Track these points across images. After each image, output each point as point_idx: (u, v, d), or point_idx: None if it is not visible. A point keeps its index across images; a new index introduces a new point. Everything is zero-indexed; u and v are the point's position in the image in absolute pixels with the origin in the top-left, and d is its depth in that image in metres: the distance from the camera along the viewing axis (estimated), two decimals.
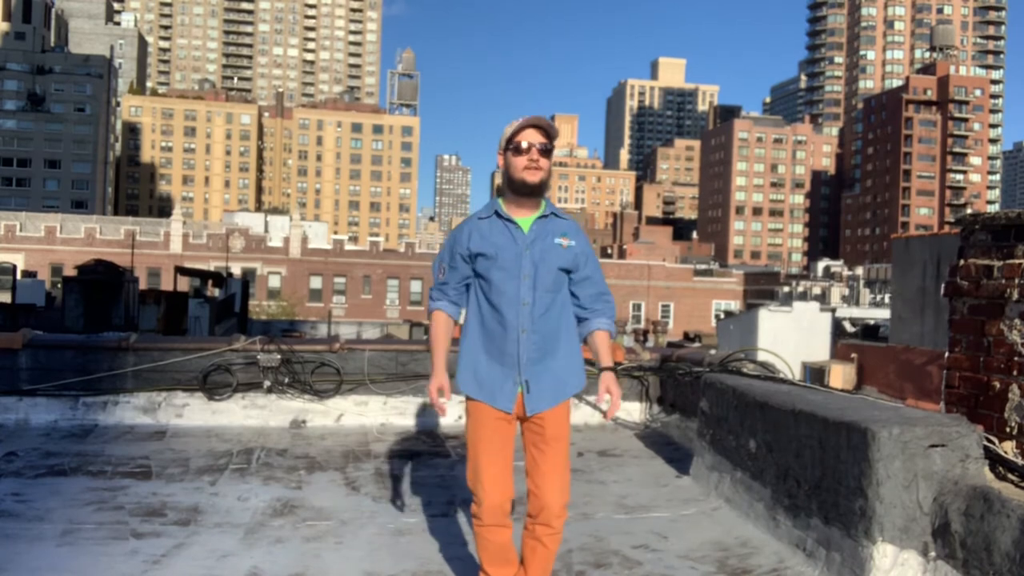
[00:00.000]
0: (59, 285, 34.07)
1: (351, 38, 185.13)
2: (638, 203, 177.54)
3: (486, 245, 2.94)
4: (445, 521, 4.17)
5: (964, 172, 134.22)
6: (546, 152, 2.92)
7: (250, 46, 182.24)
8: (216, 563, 3.54)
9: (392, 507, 4.41)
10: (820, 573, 3.46)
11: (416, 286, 70.39)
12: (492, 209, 3.00)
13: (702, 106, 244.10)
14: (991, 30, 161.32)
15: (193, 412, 6.22)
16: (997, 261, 3.50)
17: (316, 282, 68.46)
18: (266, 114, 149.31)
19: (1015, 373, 3.37)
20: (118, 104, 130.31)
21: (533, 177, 2.91)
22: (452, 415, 6.51)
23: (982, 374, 3.54)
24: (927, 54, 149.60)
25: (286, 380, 6.35)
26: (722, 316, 50.67)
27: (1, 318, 24.90)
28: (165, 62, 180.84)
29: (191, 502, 4.33)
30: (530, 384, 2.92)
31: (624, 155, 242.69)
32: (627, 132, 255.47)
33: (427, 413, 6.52)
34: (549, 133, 2.93)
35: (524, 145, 2.90)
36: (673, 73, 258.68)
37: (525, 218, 2.95)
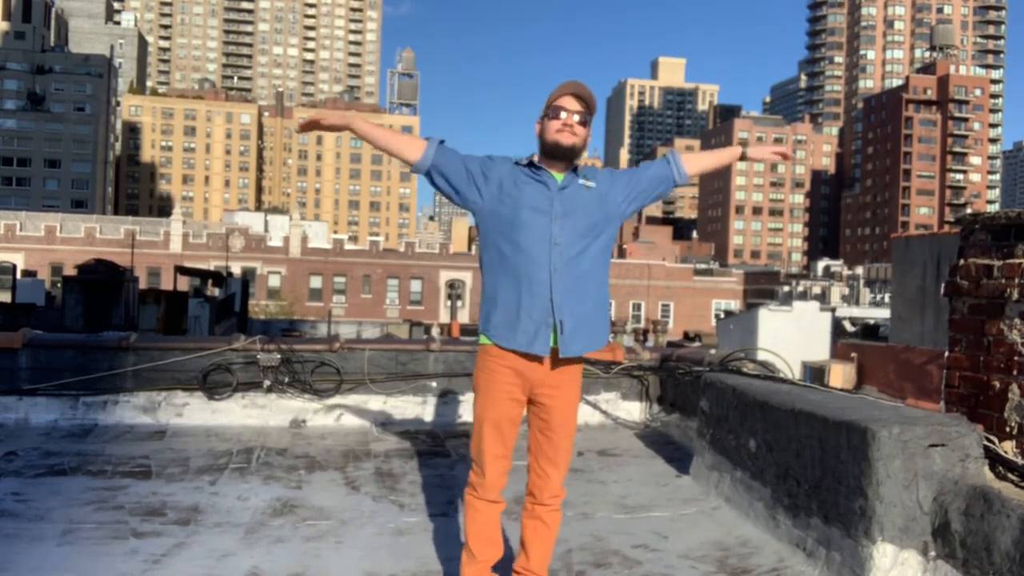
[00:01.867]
0: (59, 285, 34.09)
1: (351, 37, 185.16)
2: None
3: (518, 184, 2.91)
4: (445, 521, 4.17)
5: (964, 172, 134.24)
6: (583, 122, 2.90)
7: (250, 45, 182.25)
8: (216, 563, 3.54)
9: (392, 506, 4.41)
10: (820, 573, 3.46)
11: (416, 286, 70.41)
12: (527, 159, 2.98)
13: (702, 106, 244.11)
14: (991, 30, 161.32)
15: (193, 412, 6.22)
16: (997, 261, 3.50)
17: (316, 282, 68.48)
18: (266, 113, 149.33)
19: (1015, 372, 3.37)
20: (118, 104, 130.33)
21: (566, 140, 2.88)
22: (453, 414, 6.52)
23: (982, 374, 3.54)
24: (927, 54, 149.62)
25: (286, 380, 6.35)
26: (722, 316, 50.69)
27: (1, 318, 24.90)
28: (165, 62, 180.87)
29: (191, 502, 4.34)
30: (564, 324, 2.86)
31: (624, 154, 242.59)
32: (627, 131, 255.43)
33: (427, 413, 6.53)
34: (588, 104, 2.91)
35: (562, 114, 2.88)
36: (673, 73, 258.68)
37: (558, 171, 2.94)
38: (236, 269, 58.68)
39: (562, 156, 2.90)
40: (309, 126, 3.00)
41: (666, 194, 3.23)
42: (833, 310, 32.39)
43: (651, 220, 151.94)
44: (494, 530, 3.02)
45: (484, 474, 2.94)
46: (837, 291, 61.37)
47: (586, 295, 2.92)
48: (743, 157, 3.19)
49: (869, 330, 28.99)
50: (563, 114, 2.88)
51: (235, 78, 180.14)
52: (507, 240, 2.89)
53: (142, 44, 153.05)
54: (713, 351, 6.85)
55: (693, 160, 3.20)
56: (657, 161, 3.18)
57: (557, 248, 2.86)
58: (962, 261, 3.70)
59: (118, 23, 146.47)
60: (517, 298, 2.87)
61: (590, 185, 2.96)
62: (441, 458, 5.48)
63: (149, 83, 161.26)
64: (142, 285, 34.79)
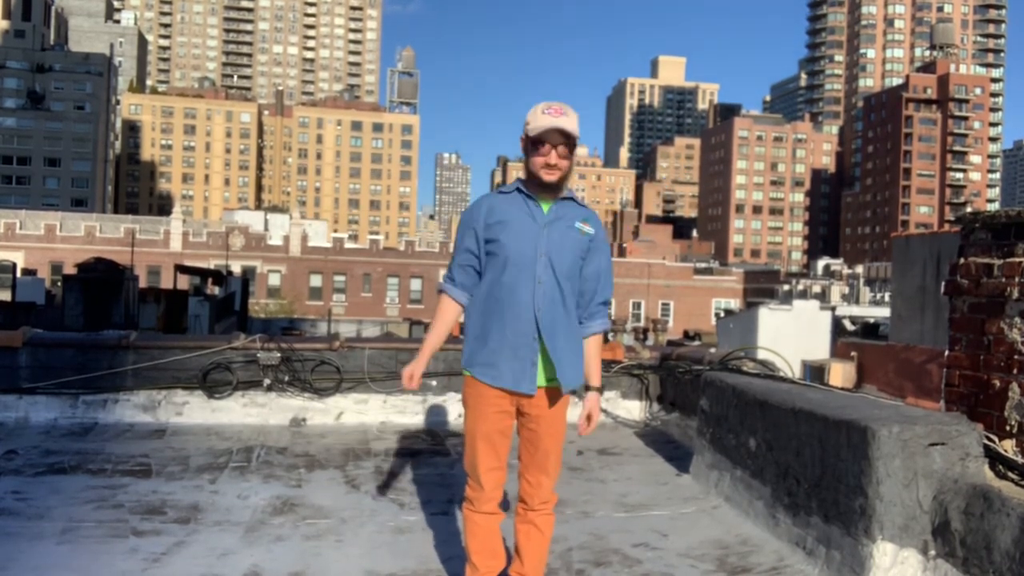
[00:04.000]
0: (59, 283, 34.09)
1: (351, 36, 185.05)
2: (638, 201, 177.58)
3: (504, 219, 2.91)
4: (445, 519, 4.17)
5: (964, 171, 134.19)
6: (565, 154, 2.88)
7: (250, 44, 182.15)
8: (216, 561, 3.54)
9: (392, 505, 4.41)
10: (820, 571, 3.46)
11: (416, 284, 70.40)
12: (514, 187, 2.97)
13: (702, 104, 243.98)
14: (991, 28, 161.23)
15: (193, 410, 6.22)
16: (997, 260, 3.49)
17: (316, 280, 68.46)
18: (266, 112, 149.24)
19: (1015, 371, 3.37)
20: (118, 102, 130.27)
21: (550, 176, 2.88)
22: (452, 412, 6.52)
23: (982, 372, 3.54)
24: (927, 52, 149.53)
25: (286, 378, 6.35)
26: (722, 314, 50.69)
27: (1, 316, 24.89)
28: (165, 60, 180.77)
29: (191, 500, 4.33)
30: (534, 364, 2.91)
31: (624, 153, 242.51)
32: (627, 130, 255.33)
33: (427, 411, 6.53)
34: (570, 136, 2.86)
35: (543, 147, 2.85)
36: (673, 71, 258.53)
37: (545, 200, 2.93)
38: (236, 268, 58.68)
39: (546, 189, 2.92)
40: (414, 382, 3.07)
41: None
42: (833, 309, 32.39)
43: (651, 219, 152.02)
44: (495, 541, 3.03)
45: (480, 487, 2.96)
46: (837, 290, 61.35)
47: (568, 333, 2.95)
48: (587, 387, 3.06)
49: (869, 329, 28.99)
50: (545, 147, 2.85)
51: (235, 77, 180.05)
52: (493, 278, 2.93)
53: (142, 43, 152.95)
54: (713, 350, 6.85)
55: (590, 345, 3.05)
56: (600, 306, 3.07)
57: (540, 287, 2.89)
58: (962, 260, 3.69)
59: (118, 22, 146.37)
60: (501, 337, 2.91)
61: (587, 231, 2.97)
62: (441, 457, 5.48)
63: (149, 82, 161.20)
64: (142, 284, 34.78)
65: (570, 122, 2.86)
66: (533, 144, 2.86)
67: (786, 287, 67.02)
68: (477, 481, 2.97)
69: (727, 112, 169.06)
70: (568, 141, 2.86)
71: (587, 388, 3.03)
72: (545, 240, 2.89)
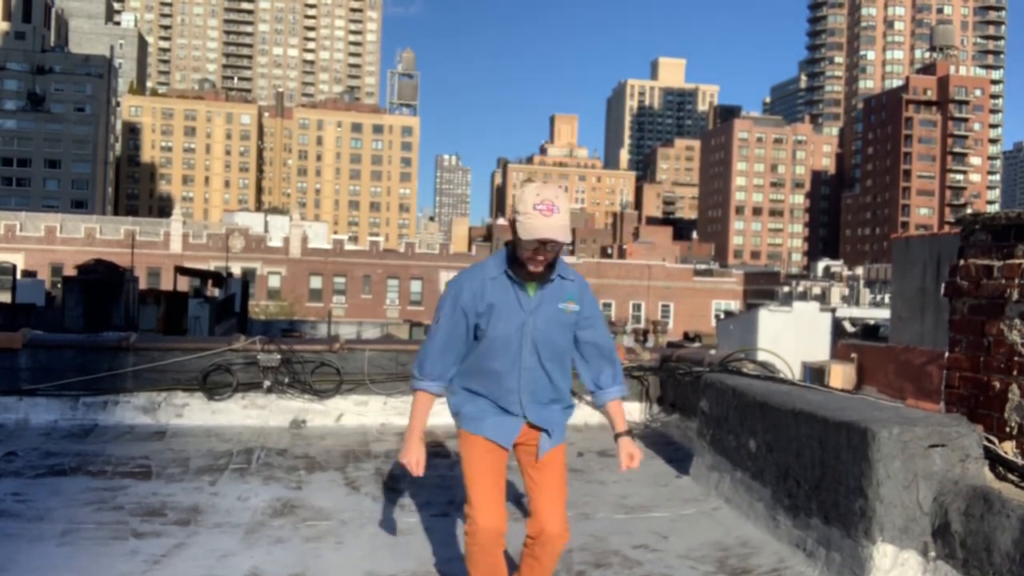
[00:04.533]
0: (59, 285, 34.06)
1: (351, 38, 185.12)
2: (638, 203, 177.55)
3: (491, 303, 2.91)
4: (445, 521, 4.17)
5: (964, 172, 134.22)
6: (555, 248, 2.84)
7: (250, 46, 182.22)
8: (216, 563, 3.54)
9: (392, 507, 4.41)
10: (820, 573, 3.46)
11: (416, 286, 70.40)
12: (502, 267, 2.94)
13: (702, 106, 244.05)
14: (991, 30, 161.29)
15: (193, 412, 6.22)
16: (997, 261, 3.50)
17: (316, 282, 68.45)
18: (266, 114, 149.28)
19: (1015, 373, 3.37)
20: (118, 104, 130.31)
21: (536, 269, 2.87)
22: (449, 417, 6.51)
23: (982, 374, 3.54)
24: (927, 54, 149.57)
25: (286, 380, 6.35)
26: (722, 316, 50.69)
27: (1, 318, 24.89)
28: (165, 62, 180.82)
29: (191, 502, 4.33)
30: (534, 424, 2.99)
31: (624, 155, 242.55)
32: (627, 132, 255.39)
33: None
34: (559, 242, 2.83)
35: (532, 245, 2.81)
36: (673, 73, 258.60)
37: (532, 282, 2.91)
38: (236, 269, 58.67)
39: (531, 278, 2.90)
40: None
41: (578, 373, 3.16)
42: (833, 310, 32.38)
43: (651, 220, 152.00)
44: (499, 571, 3.02)
45: (478, 519, 2.93)
46: (837, 291, 61.35)
47: (553, 407, 3.03)
48: (616, 436, 3.09)
49: (869, 330, 28.96)
50: (533, 247, 2.81)
51: (235, 78, 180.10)
52: (481, 357, 2.96)
53: (142, 44, 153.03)
54: (713, 351, 6.85)
55: (614, 407, 3.10)
56: (612, 370, 3.09)
57: (527, 373, 2.93)
58: (962, 261, 3.69)
59: (118, 23, 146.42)
60: (488, 406, 2.98)
61: (572, 309, 2.96)
62: (441, 458, 5.48)
63: (149, 83, 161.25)
64: (142, 285, 34.76)
65: (562, 223, 2.80)
66: (523, 241, 2.83)
67: (786, 289, 67.03)
68: (476, 519, 2.94)
69: (727, 114, 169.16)
70: (555, 243, 2.83)
71: (616, 436, 3.06)
72: (531, 327, 2.91)
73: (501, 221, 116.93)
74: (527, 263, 2.85)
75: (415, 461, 2.96)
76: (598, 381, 3.07)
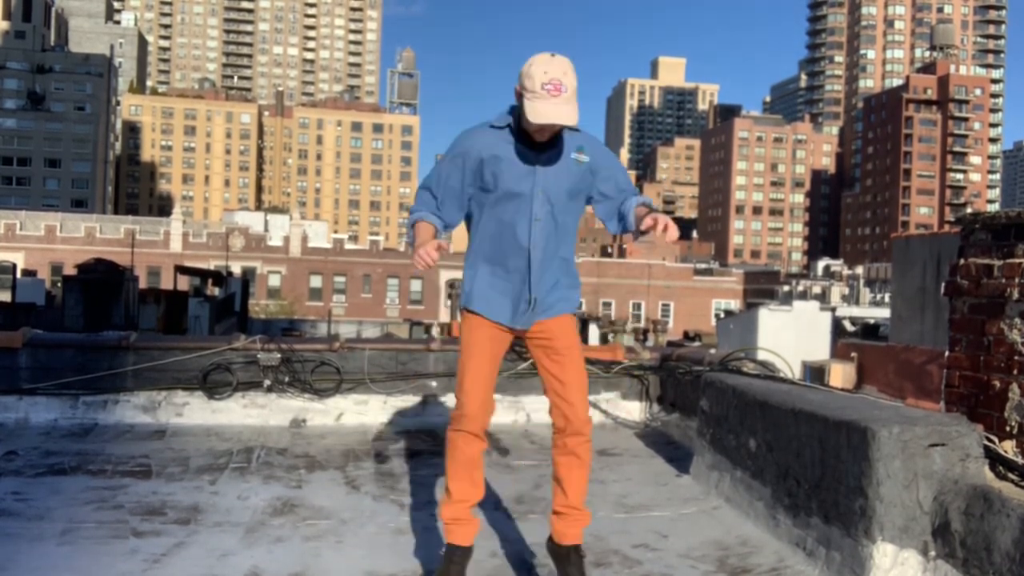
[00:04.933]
0: (59, 284, 34.09)
1: (351, 37, 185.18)
2: None
3: (497, 155, 2.86)
4: None
5: (964, 171, 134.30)
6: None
7: (250, 45, 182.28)
8: (216, 562, 3.54)
9: (392, 506, 4.41)
10: (820, 572, 3.46)
11: (416, 285, 70.43)
12: (506, 121, 2.90)
13: (702, 105, 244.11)
14: (991, 29, 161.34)
15: (193, 411, 6.22)
16: (997, 260, 3.50)
17: (316, 281, 68.48)
18: (266, 113, 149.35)
19: (1015, 372, 3.37)
20: (118, 103, 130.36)
21: (541, 137, 2.84)
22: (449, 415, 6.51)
23: (982, 373, 3.54)
24: (927, 53, 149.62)
25: (286, 379, 6.35)
26: (722, 315, 50.70)
27: (1, 317, 24.90)
28: (165, 61, 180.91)
29: (191, 501, 4.33)
30: (538, 301, 2.91)
31: (624, 154, 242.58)
32: (627, 131, 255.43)
33: (427, 412, 6.52)
34: (567, 127, 2.82)
35: (536, 126, 2.77)
36: (673, 72, 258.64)
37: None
38: (236, 269, 58.70)
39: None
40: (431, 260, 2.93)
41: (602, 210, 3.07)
42: (833, 310, 32.41)
43: None
44: (475, 470, 3.00)
45: (467, 404, 2.91)
46: (837, 291, 61.37)
47: (562, 268, 2.97)
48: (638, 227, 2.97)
49: (869, 330, 28.97)
50: (537, 127, 2.78)
51: (235, 78, 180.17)
52: (490, 215, 2.91)
53: (142, 44, 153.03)
54: (713, 351, 6.85)
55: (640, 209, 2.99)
56: (619, 187, 3.03)
57: (538, 224, 2.87)
58: (962, 261, 3.70)
59: (118, 23, 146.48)
60: (498, 275, 2.92)
61: (583, 160, 2.92)
62: (441, 458, 5.47)
63: (149, 83, 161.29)
64: (142, 285, 34.78)
65: (568, 108, 2.74)
66: (528, 119, 2.78)
67: (786, 288, 67.06)
68: (466, 397, 2.93)
69: (727, 113, 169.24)
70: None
71: (640, 216, 2.90)
72: (542, 175, 2.86)
73: None
74: (534, 134, 2.82)
75: (424, 249, 2.80)
76: (623, 207, 2.98)
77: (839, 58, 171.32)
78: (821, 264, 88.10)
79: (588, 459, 3.03)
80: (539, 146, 2.86)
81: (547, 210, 2.86)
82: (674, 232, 2.79)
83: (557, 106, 2.71)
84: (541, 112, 2.71)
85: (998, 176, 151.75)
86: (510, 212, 2.87)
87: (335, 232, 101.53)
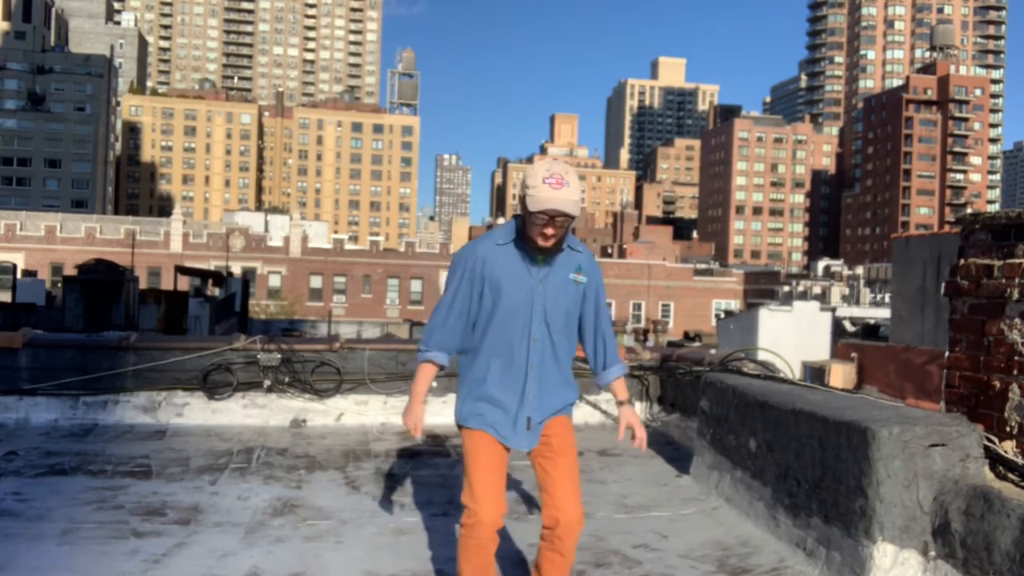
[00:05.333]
0: (59, 284, 34.08)
1: (351, 37, 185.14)
2: (638, 203, 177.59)
3: (500, 272, 2.88)
4: (445, 520, 4.17)
5: (964, 172, 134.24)
6: (563, 223, 2.81)
7: (250, 45, 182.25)
8: (216, 562, 3.54)
9: (392, 506, 4.41)
10: (820, 572, 3.46)
11: (416, 285, 70.40)
12: (510, 236, 2.92)
13: (702, 106, 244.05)
14: (991, 30, 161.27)
15: (193, 411, 6.22)
16: (997, 260, 3.49)
17: (316, 281, 68.45)
18: (266, 113, 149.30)
19: (1015, 372, 3.37)
20: (118, 104, 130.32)
21: (545, 244, 2.84)
22: (451, 415, 6.51)
23: (982, 373, 3.54)
24: (927, 54, 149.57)
25: (286, 379, 6.35)
26: (722, 315, 50.66)
27: (1, 317, 24.89)
28: (165, 62, 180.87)
29: (191, 501, 4.33)
30: (532, 419, 2.94)
31: (624, 155, 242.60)
32: (627, 132, 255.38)
33: (428, 413, 6.52)
34: (569, 214, 2.81)
35: (542, 218, 2.78)
36: (673, 73, 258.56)
37: (541, 255, 2.89)
38: (236, 269, 58.68)
39: (540, 251, 2.88)
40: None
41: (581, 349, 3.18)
42: (833, 310, 32.40)
43: (651, 220, 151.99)
44: (490, 571, 3.01)
45: (478, 512, 2.90)
46: (837, 291, 61.33)
47: (558, 380, 2.98)
48: (620, 403, 3.12)
49: (869, 330, 28.96)
50: (542, 220, 2.78)
51: (235, 78, 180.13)
52: (489, 330, 2.91)
53: (142, 44, 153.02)
54: (713, 351, 6.85)
55: (618, 384, 3.13)
56: (612, 351, 3.11)
57: (535, 344, 2.89)
58: (962, 261, 3.69)
59: (118, 23, 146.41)
60: (496, 393, 2.92)
61: (580, 280, 2.95)
62: (441, 458, 5.48)
63: (149, 83, 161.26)
64: (142, 285, 34.76)
65: (571, 197, 2.77)
66: (531, 214, 2.80)
67: (786, 288, 67.02)
68: (476, 510, 2.91)
69: (727, 113, 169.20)
70: (565, 216, 2.80)
71: (619, 404, 3.09)
72: (540, 296, 2.88)
73: (501, 220, 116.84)
74: (536, 238, 2.82)
75: (414, 423, 2.97)
76: (601, 360, 3.09)
77: (839, 58, 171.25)
78: (821, 264, 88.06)
79: (572, 557, 3.04)
80: (541, 264, 2.89)
81: (544, 331, 2.89)
82: (640, 437, 3.05)
83: (558, 195, 2.75)
84: (544, 200, 2.74)
85: (998, 176, 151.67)
86: (508, 331, 2.89)
87: (335, 232, 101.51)
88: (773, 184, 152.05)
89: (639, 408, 6.77)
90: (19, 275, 38.54)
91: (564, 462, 2.98)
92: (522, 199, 2.84)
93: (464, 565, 2.98)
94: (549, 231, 2.80)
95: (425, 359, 3.00)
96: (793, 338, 23.26)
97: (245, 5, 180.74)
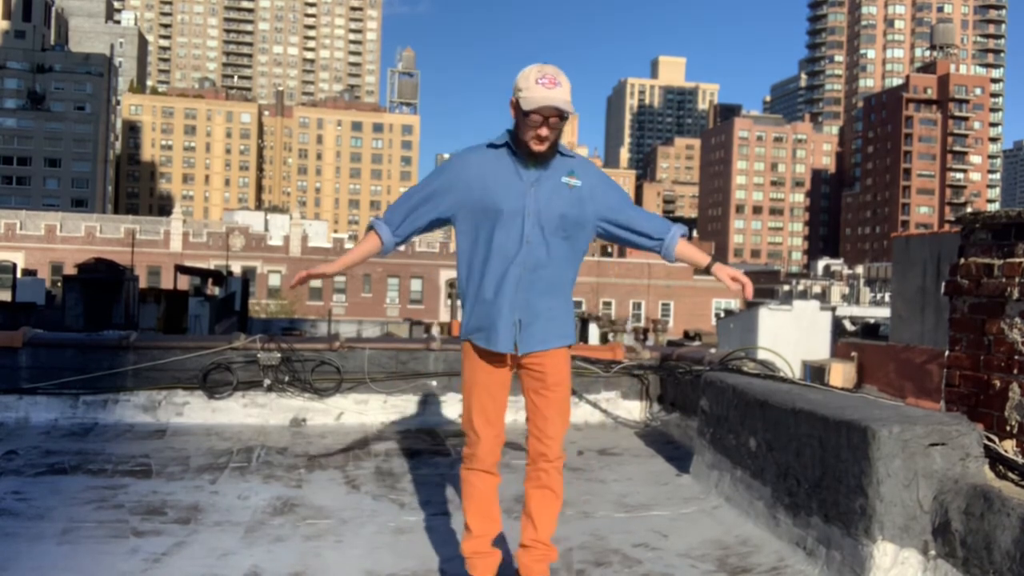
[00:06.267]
0: (59, 284, 34.09)
1: (351, 36, 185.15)
2: (638, 202, 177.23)
3: (492, 177, 2.88)
4: (446, 520, 4.17)
5: (964, 171, 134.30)
6: (556, 124, 2.83)
7: (250, 44, 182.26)
8: (216, 561, 3.54)
9: (392, 505, 4.41)
10: (820, 572, 3.46)
11: (416, 284, 70.42)
12: (502, 141, 2.93)
13: (702, 105, 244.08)
14: (991, 29, 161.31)
15: (193, 410, 6.22)
16: (997, 260, 3.49)
17: (316, 281, 68.41)
18: (266, 113, 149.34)
19: (1015, 372, 3.37)
20: (118, 103, 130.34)
21: (539, 147, 2.84)
22: (453, 412, 6.51)
23: (982, 373, 3.54)
24: (927, 53, 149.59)
25: (286, 379, 6.35)
26: (722, 315, 50.68)
27: (1, 316, 24.89)
28: (165, 60, 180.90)
29: (191, 500, 4.33)
30: (522, 323, 2.89)
31: (624, 154, 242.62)
32: (627, 131, 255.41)
33: (427, 412, 6.53)
34: (563, 112, 2.81)
35: (535, 118, 2.80)
36: (673, 72, 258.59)
37: (533, 159, 2.89)
38: (236, 268, 58.70)
39: (534, 157, 2.88)
40: (300, 281, 3.11)
41: (638, 248, 3.13)
42: (833, 309, 32.41)
43: None
44: (491, 505, 3.01)
45: (478, 443, 2.92)
46: (837, 290, 61.36)
47: (551, 296, 2.93)
48: (708, 267, 3.10)
49: (869, 329, 28.98)
50: (537, 120, 2.80)
51: (235, 77, 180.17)
52: (481, 238, 2.90)
53: (142, 43, 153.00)
54: (713, 350, 6.85)
55: (685, 248, 3.10)
56: (658, 219, 3.10)
57: (528, 246, 2.86)
58: (962, 260, 3.69)
59: (118, 22, 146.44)
60: (493, 299, 2.88)
61: (574, 183, 2.92)
62: (441, 457, 5.48)
63: (149, 82, 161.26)
64: (142, 284, 34.78)
65: (564, 95, 2.79)
66: (524, 113, 2.81)
67: (786, 287, 67.05)
68: (475, 436, 2.93)
69: (727, 112, 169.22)
70: (559, 115, 2.82)
71: (709, 267, 3.06)
72: (533, 199, 2.86)
73: None
74: (530, 142, 2.83)
75: (305, 273, 3.03)
76: (654, 232, 3.04)
77: (839, 58, 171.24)
78: (821, 264, 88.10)
79: (561, 493, 3.05)
80: (533, 167, 2.88)
81: (538, 233, 2.86)
82: (749, 290, 3.06)
83: (552, 94, 2.76)
84: (537, 98, 2.75)
85: (998, 176, 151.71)
86: (501, 234, 2.86)
87: (335, 232, 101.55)
88: (773, 183, 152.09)
89: (638, 407, 6.78)
90: (19, 274, 38.57)
91: (557, 400, 2.98)
92: (515, 104, 2.84)
93: (466, 500, 2.99)
94: (544, 132, 2.80)
95: (375, 224, 3.01)
96: (793, 337, 23.29)
97: (245, 4, 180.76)
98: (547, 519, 3.02)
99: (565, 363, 3.01)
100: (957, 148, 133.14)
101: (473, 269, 2.94)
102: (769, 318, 27.26)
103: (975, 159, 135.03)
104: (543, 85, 2.77)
